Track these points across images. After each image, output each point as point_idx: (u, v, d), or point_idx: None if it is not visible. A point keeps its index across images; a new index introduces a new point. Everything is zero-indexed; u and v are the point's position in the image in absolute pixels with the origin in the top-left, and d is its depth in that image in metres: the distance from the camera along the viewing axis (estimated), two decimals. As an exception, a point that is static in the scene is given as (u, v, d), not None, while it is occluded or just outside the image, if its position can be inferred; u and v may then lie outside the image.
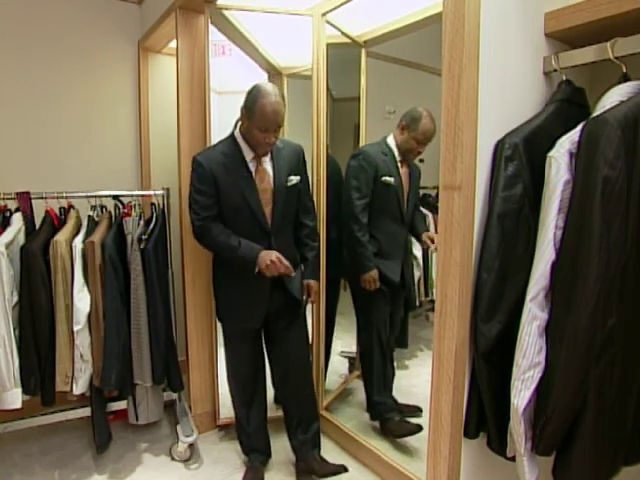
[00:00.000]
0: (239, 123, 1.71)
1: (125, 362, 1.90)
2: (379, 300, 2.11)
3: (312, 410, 1.94)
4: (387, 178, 2.03)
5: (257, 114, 1.56)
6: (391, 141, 2.10)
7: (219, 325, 2.00)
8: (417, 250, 2.38)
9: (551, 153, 1.04)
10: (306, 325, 1.92)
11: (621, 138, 0.93)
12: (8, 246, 1.73)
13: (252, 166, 1.68)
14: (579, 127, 1.01)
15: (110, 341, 1.84)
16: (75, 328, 1.81)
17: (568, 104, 1.18)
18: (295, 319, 1.83)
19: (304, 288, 1.84)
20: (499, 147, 1.13)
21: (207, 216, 1.67)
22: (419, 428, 1.99)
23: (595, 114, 1.01)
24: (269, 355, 1.93)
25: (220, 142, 1.74)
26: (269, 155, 1.72)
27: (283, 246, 1.72)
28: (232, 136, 1.72)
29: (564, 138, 1.03)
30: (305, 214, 1.86)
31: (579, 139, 0.99)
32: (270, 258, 1.60)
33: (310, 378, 1.96)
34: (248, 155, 1.68)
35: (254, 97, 1.57)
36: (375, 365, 2.15)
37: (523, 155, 1.11)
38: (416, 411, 2.20)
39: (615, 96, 1.03)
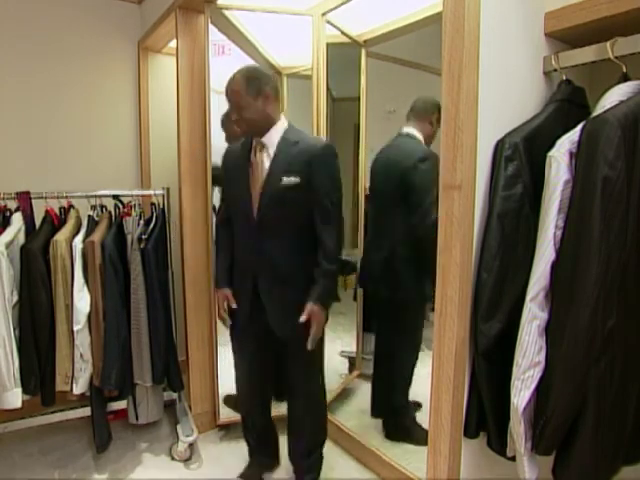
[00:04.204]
0: None
1: (125, 362, 1.91)
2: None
3: (317, 440, 1.83)
4: None
5: None
6: (418, 135, 1.93)
7: (219, 325, 1.99)
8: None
9: (551, 153, 1.04)
10: (320, 351, 1.75)
11: (621, 138, 0.93)
12: (8, 246, 1.73)
13: (252, 155, 1.66)
14: (579, 127, 1.00)
15: (110, 341, 1.85)
16: (75, 328, 1.81)
17: (568, 104, 1.18)
18: (299, 347, 1.61)
19: (307, 314, 1.55)
20: (499, 147, 1.12)
21: (224, 210, 1.80)
22: None
23: (595, 114, 1.01)
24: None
25: None
26: (274, 147, 1.61)
27: (274, 252, 1.60)
28: None
29: (564, 138, 1.03)
30: (324, 222, 1.57)
31: (579, 139, 0.99)
32: (218, 296, 1.76)
33: (316, 410, 1.81)
34: (254, 144, 1.65)
35: None
36: (413, 371, 2.09)
37: (523, 155, 1.11)
38: (416, 406, 2.20)
39: (615, 96, 1.03)
